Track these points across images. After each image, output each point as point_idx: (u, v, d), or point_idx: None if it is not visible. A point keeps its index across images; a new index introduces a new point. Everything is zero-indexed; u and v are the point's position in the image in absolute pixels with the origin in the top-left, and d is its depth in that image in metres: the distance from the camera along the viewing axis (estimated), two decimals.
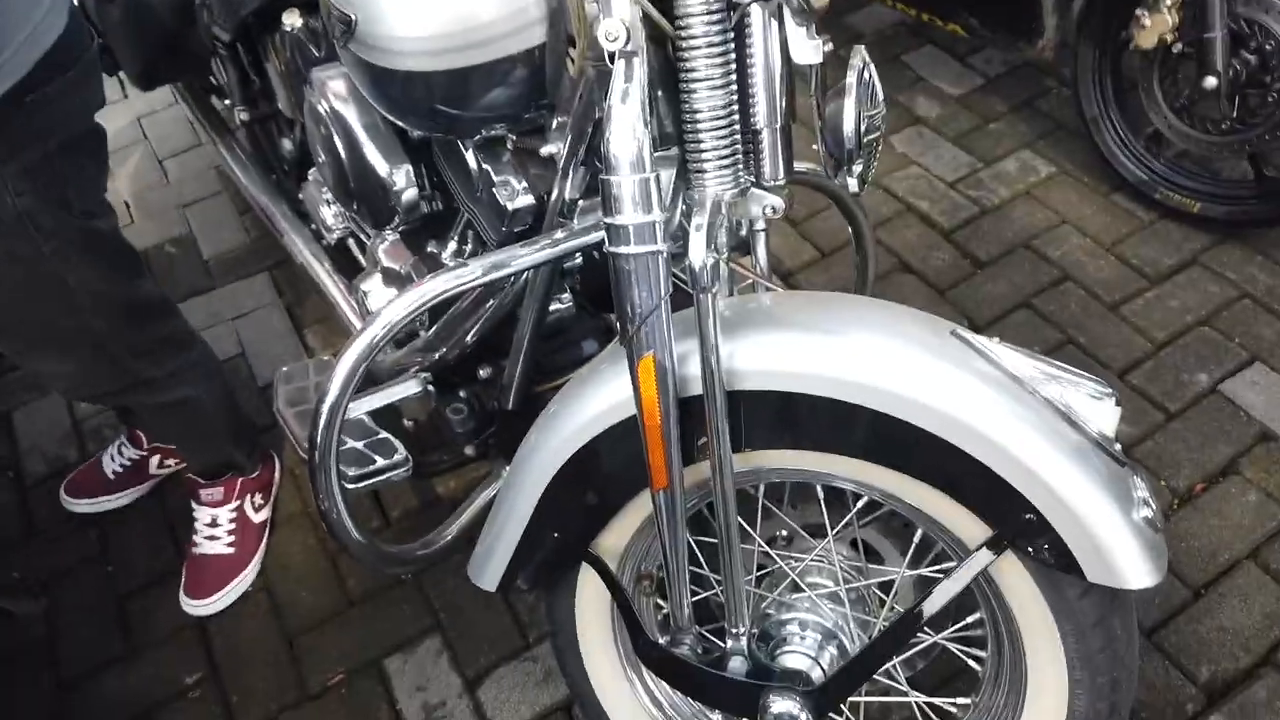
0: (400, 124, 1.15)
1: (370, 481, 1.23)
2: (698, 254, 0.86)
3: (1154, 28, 1.79)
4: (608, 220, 0.85)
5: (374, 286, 1.42)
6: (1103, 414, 0.84)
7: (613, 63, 0.82)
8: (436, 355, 1.33)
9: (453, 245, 1.36)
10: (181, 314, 1.46)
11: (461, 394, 1.38)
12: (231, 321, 2.05)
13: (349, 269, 1.64)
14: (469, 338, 1.30)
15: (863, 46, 0.92)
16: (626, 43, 0.81)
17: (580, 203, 1.10)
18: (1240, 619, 1.41)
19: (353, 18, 1.02)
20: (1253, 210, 1.89)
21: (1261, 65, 1.74)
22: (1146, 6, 1.80)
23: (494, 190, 1.15)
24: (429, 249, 1.39)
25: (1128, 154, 2.01)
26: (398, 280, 1.41)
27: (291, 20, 1.41)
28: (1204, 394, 1.69)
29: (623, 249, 0.85)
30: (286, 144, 1.73)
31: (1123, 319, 1.82)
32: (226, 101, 1.89)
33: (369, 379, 1.38)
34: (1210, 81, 1.74)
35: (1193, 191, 1.94)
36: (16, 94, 1.05)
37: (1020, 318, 1.85)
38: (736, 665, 0.96)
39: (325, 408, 1.01)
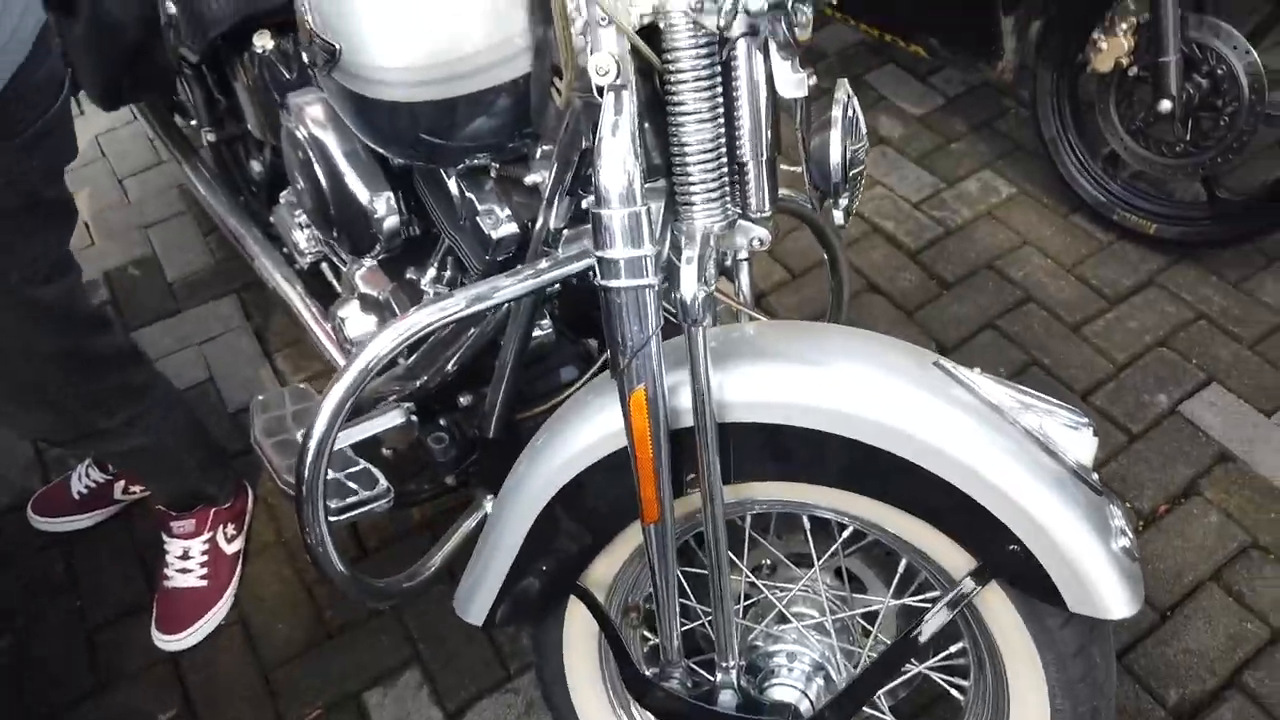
0: (382, 152, 1.15)
1: (352, 514, 1.22)
2: (689, 287, 0.87)
3: (1110, 51, 1.84)
4: (599, 254, 0.86)
5: (351, 313, 1.41)
6: (1080, 443, 0.87)
7: (602, 96, 0.83)
8: (417, 384, 1.32)
9: (432, 271, 1.35)
10: (142, 360, 1.44)
11: (442, 422, 1.37)
12: (199, 346, 2.02)
13: (322, 293, 1.62)
14: (450, 366, 1.29)
15: (845, 80, 0.94)
16: (616, 76, 0.82)
17: (564, 231, 1.10)
18: (1205, 641, 1.45)
19: (337, 47, 1.01)
20: (1207, 231, 1.95)
21: (1213, 89, 1.80)
22: (1103, 30, 1.86)
23: (478, 219, 1.15)
24: (408, 275, 1.38)
25: (1086, 175, 2.06)
26: (376, 307, 1.40)
27: (263, 42, 1.40)
28: (1164, 415, 1.74)
29: (614, 282, 0.86)
30: (256, 165, 1.71)
31: (1084, 340, 1.86)
32: (192, 122, 1.86)
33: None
34: (1165, 105, 1.79)
35: (1149, 213, 1.99)
36: None
37: (986, 339, 1.89)
38: (727, 699, 0.97)
39: (313, 442, 1.00)
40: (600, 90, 0.83)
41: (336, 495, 1.25)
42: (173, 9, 1.52)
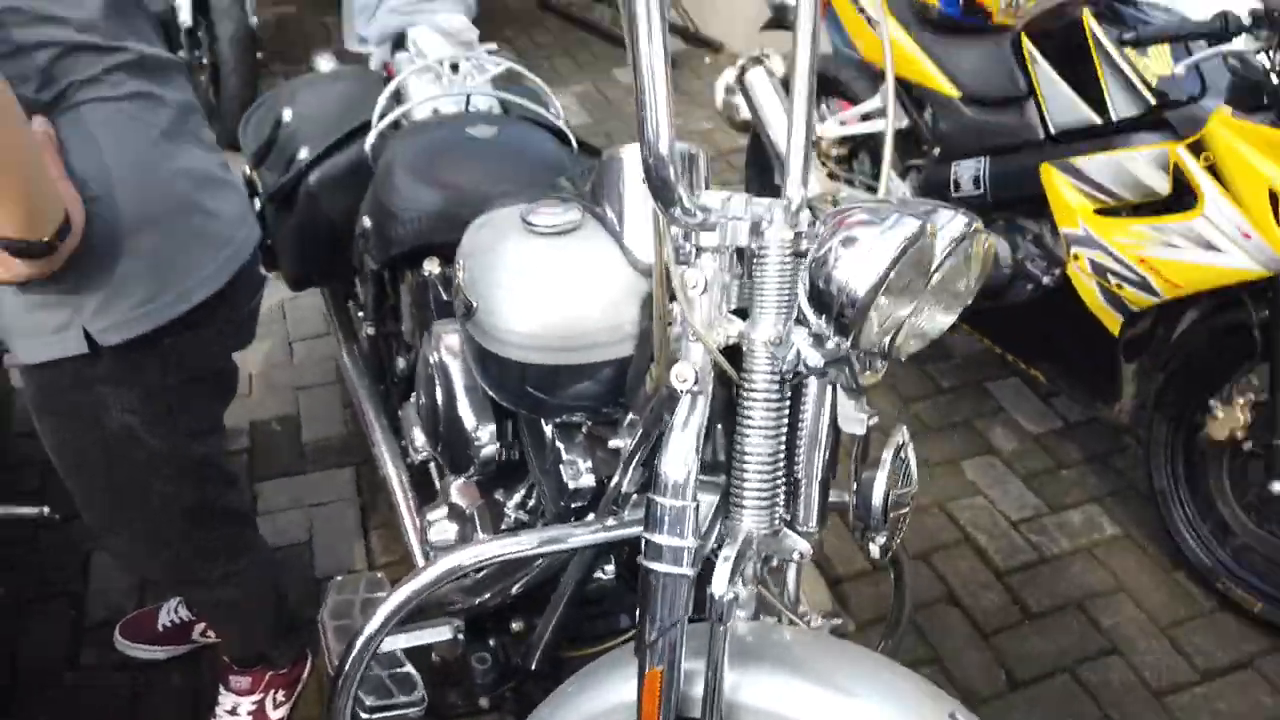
0: (493, 395, 1.29)
1: (383, 715, 1.28)
2: (720, 586, 0.93)
3: (1225, 421, 1.85)
4: (646, 535, 0.94)
5: (438, 518, 1.52)
6: None
7: (680, 397, 0.94)
8: (476, 600, 1.40)
9: (518, 498, 1.46)
10: (250, 521, 1.58)
11: (490, 642, 1.44)
12: (308, 508, 2.18)
13: (424, 490, 1.76)
14: (510, 591, 1.37)
15: (905, 426, 1.01)
16: (694, 384, 0.93)
17: (634, 496, 1.19)
18: None
19: (475, 304, 1.18)
20: None
21: None
22: (1220, 398, 1.87)
23: (561, 467, 1.25)
24: (496, 496, 1.49)
25: (1193, 535, 2.01)
26: (461, 519, 1.51)
27: (430, 267, 1.61)
28: None
29: (653, 564, 0.93)
30: (400, 363, 1.91)
31: (1165, 710, 1.76)
32: (359, 313, 2.11)
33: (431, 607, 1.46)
34: (1277, 487, 1.77)
35: (1256, 590, 1.91)
36: (154, 335, 1.20)
37: (1059, 684, 1.81)
38: None
39: (361, 639, 1.08)
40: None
41: (375, 692, 1.31)
42: (368, 224, 1.78)
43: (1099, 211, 1.95)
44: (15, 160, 0.99)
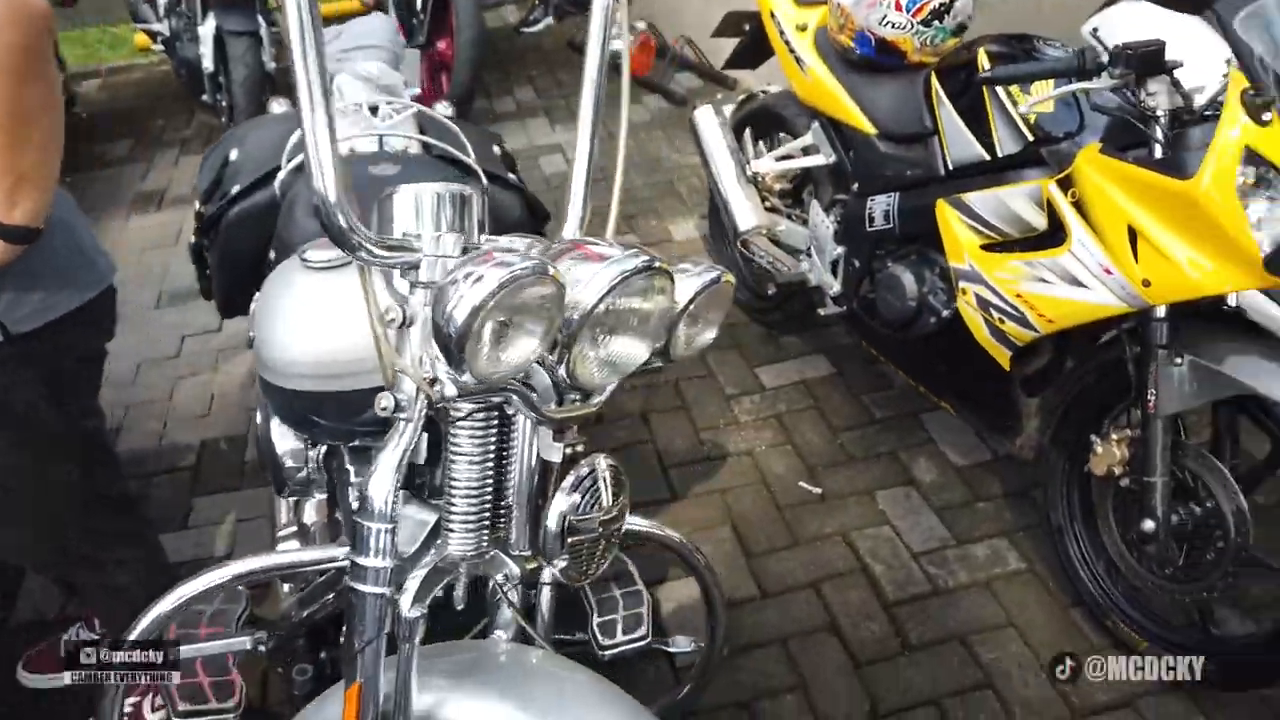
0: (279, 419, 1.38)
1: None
2: (405, 604, 1.00)
3: (1103, 457, 1.82)
4: (352, 557, 1.01)
5: (287, 535, 1.62)
6: None
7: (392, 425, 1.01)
8: (305, 613, 1.48)
9: None
10: (142, 515, 1.70)
11: (322, 656, 1.52)
12: (236, 524, 2.30)
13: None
14: (326, 608, 1.45)
15: (601, 456, 1.05)
16: (394, 411, 0.99)
17: None
18: None
19: (252, 335, 1.28)
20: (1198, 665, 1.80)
21: (1205, 521, 1.73)
22: (1099, 434, 1.85)
23: (349, 489, 1.34)
24: (336, 515, 1.58)
25: (1088, 572, 1.98)
26: (305, 537, 1.60)
27: None
28: None
29: (355, 584, 1.00)
30: None
31: None
32: None
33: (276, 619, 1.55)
34: (1148, 525, 1.74)
35: (1141, 628, 1.88)
36: (46, 328, 1.43)
37: (924, 716, 1.81)
38: None
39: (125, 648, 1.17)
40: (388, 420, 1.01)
41: (190, 699, 1.40)
42: (273, 256, 1.89)
43: (984, 247, 1.95)
44: (57, 154, 1.22)
